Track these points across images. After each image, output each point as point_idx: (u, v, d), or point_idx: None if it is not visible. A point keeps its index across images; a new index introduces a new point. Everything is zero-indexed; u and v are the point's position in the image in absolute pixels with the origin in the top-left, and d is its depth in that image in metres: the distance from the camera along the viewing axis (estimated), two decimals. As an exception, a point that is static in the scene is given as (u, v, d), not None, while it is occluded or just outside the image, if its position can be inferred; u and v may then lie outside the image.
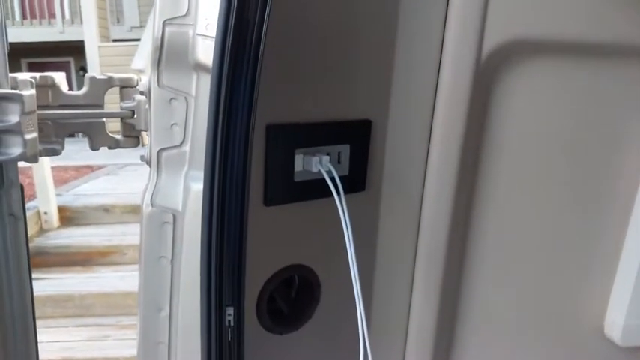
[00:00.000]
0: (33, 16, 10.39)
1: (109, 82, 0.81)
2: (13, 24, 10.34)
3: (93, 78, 0.81)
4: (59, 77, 0.79)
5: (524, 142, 0.83)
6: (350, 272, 0.69)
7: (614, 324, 0.95)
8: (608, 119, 0.84)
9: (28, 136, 0.71)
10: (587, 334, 0.97)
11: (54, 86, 0.77)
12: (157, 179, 0.75)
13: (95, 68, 9.17)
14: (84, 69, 10.35)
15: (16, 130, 0.70)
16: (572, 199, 0.88)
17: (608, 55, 0.79)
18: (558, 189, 0.87)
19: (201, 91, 0.69)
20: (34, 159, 0.74)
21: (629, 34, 0.77)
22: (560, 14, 0.74)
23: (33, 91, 0.72)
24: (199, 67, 0.68)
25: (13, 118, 0.70)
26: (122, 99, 0.83)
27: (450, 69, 0.76)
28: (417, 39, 0.75)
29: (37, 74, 0.76)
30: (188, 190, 0.72)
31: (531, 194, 0.87)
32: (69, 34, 10.09)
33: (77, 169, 7.47)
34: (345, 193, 0.72)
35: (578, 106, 0.82)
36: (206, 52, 0.66)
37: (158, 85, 0.71)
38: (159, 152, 0.73)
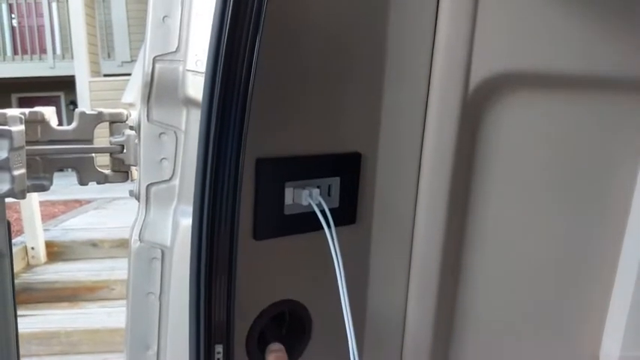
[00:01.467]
0: (24, 52, 10.44)
1: (99, 118, 0.81)
2: (4, 59, 10.39)
3: (82, 113, 0.81)
4: (49, 113, 0.80)
5: (513, 172, 0.83)
6: (342, 307, 0.69)
7: (610, 356, 0.94)
8: (595, 150, 0.85)
9: (15, 172, 0.71)
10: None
11: (43, 122, 0.78)
12: (145, 214, 0.74)
13: (85, 103, 9.18)
14: (74, 103, 10.37)
15: (4, 166, 0.70)
16: (563, 229, 0.88)
17: (593, 87, 0.81)
18: (548, 218, 0.87)
19: (191, 125, 0.69)
20: (21, 195, 0.73)
21: (614, 66, 0.79)
22: (544, 48, 0.76)
23: (22, 127, 0.72)
24: (189, 102, 0.68)
25: (1, 154, 0.70)
26: (112, 134, 0.83)
27: (438, 102, 0.77)
28: (404, 73, 0.76)
29: (27, 110, 0.76)
30: (177, 225, 0.71)
31: (521, 224, 0.87)
32: (59, 69, 10.13)
33: (65, 203, 7.39)
34: (336, 225, 0.71)
35: (565, 136, 0.83)
36: (196, 87, 0.67)
37: (148, 119, 0.71)
38: (148, 187, 0.73)
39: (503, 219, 0.86)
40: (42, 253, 5.44)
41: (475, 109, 0.78)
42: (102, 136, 0.86)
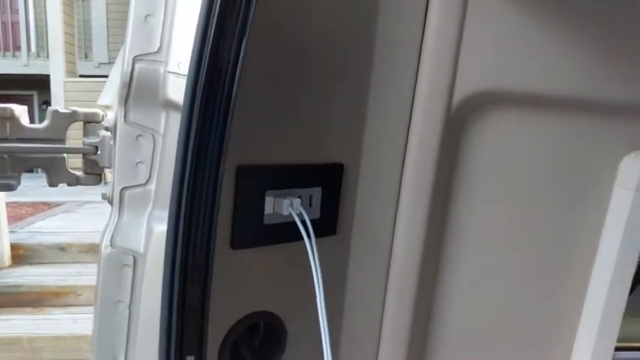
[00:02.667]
0: (-4, 48, 10.24)
1: (73, 117, 0.79)
2: (-24, 55, 10.17)
3: (55, 112, 0.78)
4: (19, 109, 0.76)
5: (492, 188, 0.84)
6: (318, 319, 0.67)
7: None
8: (572, 168, 0.86)
9: (-19, 170, 0.68)
10: None
11: (12, 118, 0.75)
12: (118, 219, 0.72)
13: (59, 103, 9.00)
14: (47, 103, 10.18)
15: (-31, 164, 0.67)
16: (539, 243, 0.90)
17: (573, 108, 0.82)
18: (526, 234, 0.88)
19: (170, 128, 0.68)
20: (-14, 194, 0.70)
21: (593, 89, 0.80)
22: (528, 69, 0.77)
23: (-11, 123, 0.69)
24: (169, 104, 0.67)
25: (-34, 151, 0.67)
26: (85, 134, 0.80)
27: (421, 117, 0.77)
28: (389, 86, 0.76)
29: (-4, 106, 0.73)
30: (151, 231, 0.69)
31: (499, 239, 0.88)
32: (34, 68, 9.95)
33: (34, 205, 7.21)
34: (316, 236, 0.70)
35: (546, 154, 0.84)
36: (177, 90, 0.65)
37: (125, 121, 0.69)
38: (122, 190, 0.71)
39: (481, 233, 0.86)
40: (6, 255, 5.29)
41: (458, 125, 0.78)
42: (76, 137, 0.83)
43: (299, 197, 0.72)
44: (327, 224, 0.77)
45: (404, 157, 0.80)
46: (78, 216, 6.75)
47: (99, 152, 0.80)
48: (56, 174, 0.79)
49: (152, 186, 0.70)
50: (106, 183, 0.81)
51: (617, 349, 0.95)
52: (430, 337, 0.90)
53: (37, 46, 10.06)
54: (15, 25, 10.07)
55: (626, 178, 0.87)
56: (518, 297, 0.92)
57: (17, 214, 6.71)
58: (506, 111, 0.80)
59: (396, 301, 0.85)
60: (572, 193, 0.87)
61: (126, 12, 0.69)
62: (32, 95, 11.32)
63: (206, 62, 0.54)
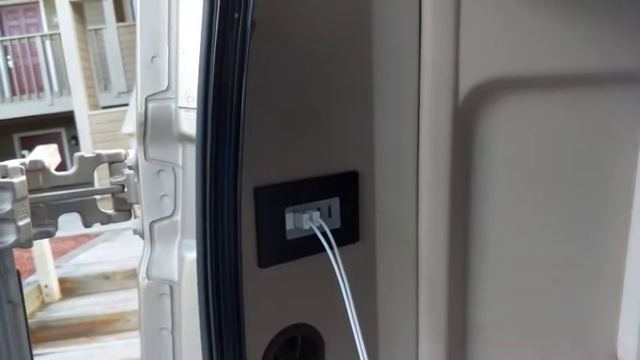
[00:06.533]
0: (22, 92, 10.55)
1: (98, 160, 0.83)
2: (3, 101, 10.51)
3: (81, 157, 0.82)
4: (48, 157, 0.81)
5: (512, 177, 0.84)
6: (352, 326, 0.69)
7: (627, 348, 0.93)
8: (592, 145, 0.85)
9: (20, 222, 0.72)
10: (601, 358, 0.96)
11: (43, 169, 0.79)
12: (151, 251, 0.75)
13: (86, 136, 9.26)
14: (75, 138, 10.47)
15: (9, 218, 0.71)
16: (568, 228, 0.88)
17: (583, 84, 0.81)
18: (551, 218, 0.87)
19: (187, 161, 0.70)
20: (28, 244, 0.74)
21: (603, 62, 0.79)
22: (530, 50, 0.76)
23: (23, 178, 0.73)
24: (184, 138, 0.70)
25: (6, 207, 0.71)
26: (111, 174, 0.84)
27: (429, 113, 0.78)
28: (393, 86, 0.77)
29: (27, 160, 0.77)
30: (182, 260, 0.72)
31: (525, 226, 0.87)
32: (58, 106, 10.23)
33: (75, 238, 7.43)
34: (339, 245, 0.72)
35: (564, 133, 0.83)
36: (189, 123, 0.68)
37: (145, 158, 0.72)
38: (151, 224, 0.74)
39: (507, 224, 0.86)
40: (56, 290, 5.47)
41: (467, 117, 0.78)
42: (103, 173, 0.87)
43: (317, 210, 0.74)
44: (348, 232, 0.79)
45: (417, 155, 0.80)
46: (117, 244, 6.92)
47: (125, 190, 0.83)
48: (89, 215, 0.84)
49: (178, 217, 0.73)
50: (135, 217, 0.84)
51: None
52: (467, 332, 0.90)
53: (59, 84, 10.34)
54: (36, 67, 10.38)
55: None
56: (553, 286, 0.91)
57: (61, 248, 6.92)
58: (515, 96, 0.79)
59: (429, 298, 0.86)
60: (596, 168, 0.86)
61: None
62: (60, 132, 11.68)
63: (212, 93, 0.56)
